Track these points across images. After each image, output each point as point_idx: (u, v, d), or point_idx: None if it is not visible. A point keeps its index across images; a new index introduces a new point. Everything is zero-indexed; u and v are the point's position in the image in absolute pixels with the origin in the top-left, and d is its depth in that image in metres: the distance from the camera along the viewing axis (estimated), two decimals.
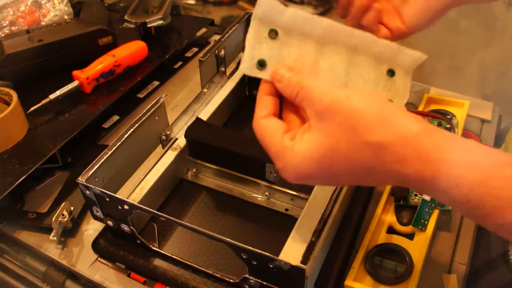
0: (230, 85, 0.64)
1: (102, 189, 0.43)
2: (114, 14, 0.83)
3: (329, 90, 0.34)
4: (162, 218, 0.43)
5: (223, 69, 0.66)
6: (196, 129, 0.55)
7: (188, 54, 0.79)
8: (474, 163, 0.29)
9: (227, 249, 0.40)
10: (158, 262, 0.47)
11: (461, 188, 0.29)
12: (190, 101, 0.60)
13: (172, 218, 0.42)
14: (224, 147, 0.52)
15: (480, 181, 0.28)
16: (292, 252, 0.41)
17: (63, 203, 0.49)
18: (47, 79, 0.66)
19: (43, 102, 0.60)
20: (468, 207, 0.29)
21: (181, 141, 0.55)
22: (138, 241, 0.47)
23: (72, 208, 0.51)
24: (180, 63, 0.76)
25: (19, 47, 0.65)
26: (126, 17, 0.73)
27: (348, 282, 0.44)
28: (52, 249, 0.50)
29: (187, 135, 0.54)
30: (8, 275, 0.53)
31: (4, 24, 0.72)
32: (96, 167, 0.45)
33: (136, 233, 0.46)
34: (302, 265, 0.37)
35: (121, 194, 0.46)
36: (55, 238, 0.49)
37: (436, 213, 0.49)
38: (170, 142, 0.55)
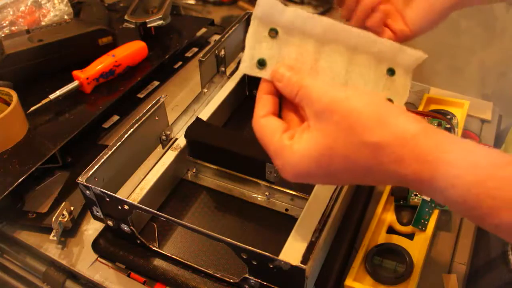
0: (230, 85, 0.64)
1: (102, 189, 0.43)
2: (114, 14, 0.83)
3: (328, 90, 0.34)
4: (162, 218, 0.43)
5: (223, 69, 0.66)
6: (196, 129, 0.55)
7: (188, 54, 0.79)
8: (474, 164, 0.29)
9: (227, 249, 0.40)
10: (158, 262, 0.47)
11: (457, 188, 0.29)
12: (190, 101, 0.60)
13: (172, 218, 0.42)
14: (224, 147, 0.52)
15: (477, 182, 0.28)
16: (292, 252, 0.41)
17: (63, 203, 0.49)
18: (47, 79, 0.66)
19: (43, 102, 0.60)
20: (465, 208, 0.29)
21: (181, 141, 0.55)
22: (138, 241, 0.47)
23: (72, 208, 0.51)
24: (180, 63, 0.76)
25: (19, 47, 0.65)
26: (126, 17, 0.73)
27: (348, 282, 0.44)
28: (52, 249, 0.50)
29: (187, 135, 0.54)
30: (8, 275, 0.53)
31: (4, 24, 0.72)
32: (96, 167, 0.45)
33: (136, 233, 0.46)
34: (302, 265, 0.37)
35: (121, 194, 0.46)
36: (55, 238, 0.49)
37: (436, 213, 0.49)
38: (170, 142, 0.55)
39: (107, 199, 0.43)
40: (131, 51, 0.68)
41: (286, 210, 0.52)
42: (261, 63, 0.39)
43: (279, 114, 0.39)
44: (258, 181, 0.53)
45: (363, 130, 0.32)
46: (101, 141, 0.63)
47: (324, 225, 0.43)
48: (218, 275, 0.44)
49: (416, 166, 0.30)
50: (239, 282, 0.43)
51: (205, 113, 0.59)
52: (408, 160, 0.30)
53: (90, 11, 0.77)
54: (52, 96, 0.61)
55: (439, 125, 0.57)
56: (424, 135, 0.31)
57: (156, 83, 0.72)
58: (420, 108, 0.62)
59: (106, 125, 0.64)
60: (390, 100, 0.42)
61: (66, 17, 0.75)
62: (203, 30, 0.83)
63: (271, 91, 0.38)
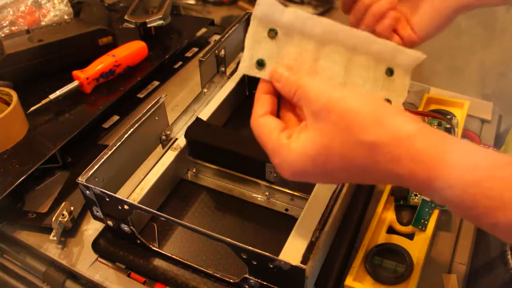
0: (230, 85, 0.64)
1: (102, 189, 0.43)
2: (114, 14, 0.83)
3: (326, 90, 0.34)
4: (162, 218, 0.43)
5: (223, 69, 0.66)
6: (196, 129, 0.55)
7: (188, 54, 0.79)
8: (474, 165, 0.29)
9: (227, 249, 0.40)
10: (158, 262, 0.47)
11: (454, 188, 0.29)
12: (190, 101, 0.60)
13: (172, 218, 0.42)
14: (224, 147, 0.52)
15: (474, 182, 0.29)
16: (292, 252, 0.41)
17: (63, 203, 0.49)
18: (47, 79, 0.66)
19: (43, 102, 0.60)
20: (462, 208, 0.29)
21: (181, 141, 0.55)
22: (138, 241, 0.47)
23: (72, 208, 0.51)
24: (180, 63, 0.76)
25: (19, 47, 0.65)
26: (126, 17, 0.73)
27: (348, 282, 0.44)
28: (52, 249, 0.50)
29: (187, 135, 0.54)
30: (8, 275, 0.53)
31: (4, 24, 0.72)
32: (96, 167, 0.45)
33: (136, 233, 0.46)
34: (302, 265, 0.37)
35: (121, 194, 0.46)
36: (55, 238, 0.49)
37: (436, 213, 0.49)
38: (170, 142, 0.55)
39: (107, 199, 0.43)
40: (131, 51, 0.68)
41: (286, 210, 0.52)
42: (260, 64, 0.39)
43: (277, 114, 0.39)
44: (258, 181, 0.53)
45: (360, 130, 0.32)
46: (101, 141, 0.63)
47: (324, 225, 0.43)
48: (218, 275, 0.44)
49: (412, 166, 0.30)
50: (239, 282, 0.43)
51: (205, 113, 0.59)
52: (404, 160, 0.31)
53: (90, 11, 0.77)
54: (52, 96, 0.61)
55: (439, 125, 0.57)
56: (421, 136, 0.31)
57: (156, 83, 0.72)
58: (420, 108, 0.62)
59: (106, 125, 0.64)
60: (388, 100, 0.42)
61: (66, 17, 0.75)
62: (203, 30, 0.83)
63: (270, 91, 0.39)
